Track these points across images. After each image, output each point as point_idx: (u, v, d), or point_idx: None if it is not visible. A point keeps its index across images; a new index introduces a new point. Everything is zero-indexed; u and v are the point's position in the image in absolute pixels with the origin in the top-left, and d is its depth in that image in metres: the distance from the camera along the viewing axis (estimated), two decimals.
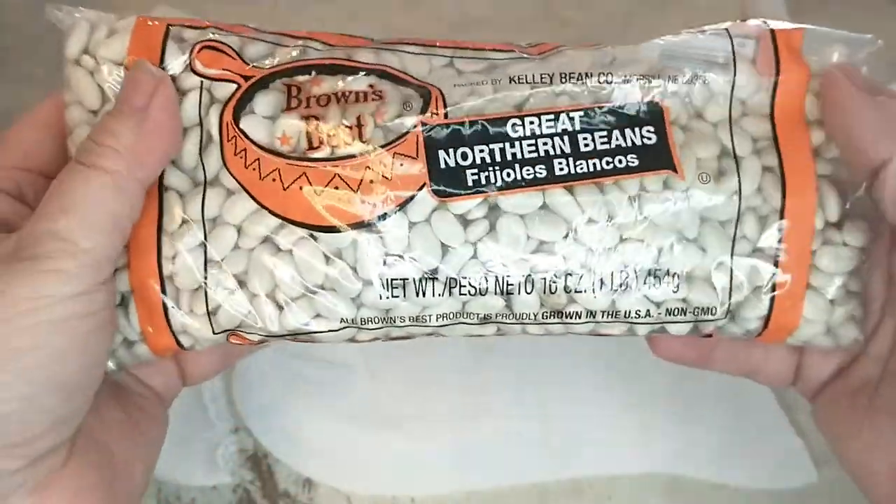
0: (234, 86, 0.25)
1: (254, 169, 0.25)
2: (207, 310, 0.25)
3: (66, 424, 0.23)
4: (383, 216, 0.24)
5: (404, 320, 0.26)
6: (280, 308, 0.25)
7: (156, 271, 0.25)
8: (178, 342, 0.26)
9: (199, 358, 0.29)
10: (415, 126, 0.25)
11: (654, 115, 0.25)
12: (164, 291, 0.25)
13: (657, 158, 0.25)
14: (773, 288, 0.26)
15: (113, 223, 0.23)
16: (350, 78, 0.26)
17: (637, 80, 0.26)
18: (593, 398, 0.37)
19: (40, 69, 0.48)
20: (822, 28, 0.27)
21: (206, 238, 0.25)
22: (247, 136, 0.25)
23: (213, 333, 0.25)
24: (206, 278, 0.25)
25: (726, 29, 0.27)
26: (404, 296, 0.25)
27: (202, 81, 0.25)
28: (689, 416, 0.37)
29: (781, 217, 0.25)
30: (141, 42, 0.25)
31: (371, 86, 0.25)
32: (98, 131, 0.24)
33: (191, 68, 0.25)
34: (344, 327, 0.26)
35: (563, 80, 0.26)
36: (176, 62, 0.26)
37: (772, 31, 0.27)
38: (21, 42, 0.49)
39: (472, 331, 0.27)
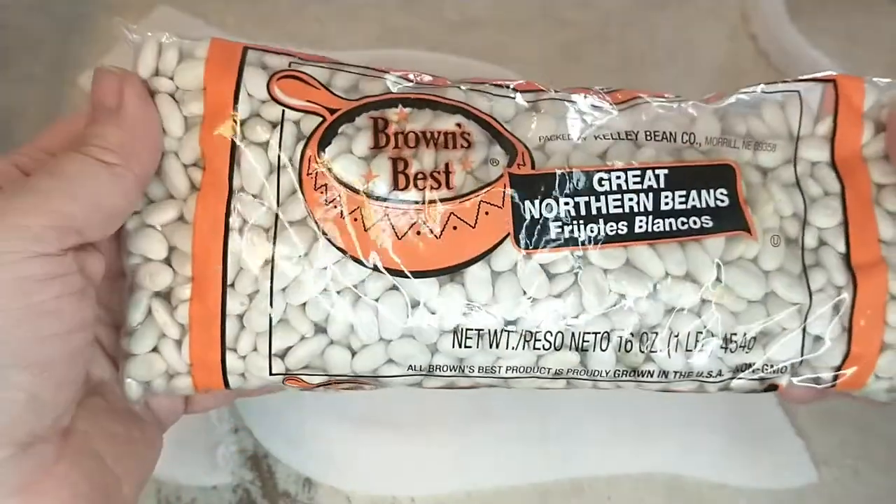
0: (319, 119, 0.25)
1: (335, 206, 0.24)
2: (270, 352, 0.25)
3: (47, 406, 0.22)
4: (466, 264, 0.24)
5: (474, 370, 0.25)
6: (353, 353, 0.25)
7: (219, 308, 0.24)
8: (225, 381, 0.25)
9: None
10: (501, 175, 0.25)
11: (728, 177, 0.25)
12: (224, 329, 0.24)
13: (731, 220, 0.25)
14: (847, 351, 0.26)
15: (101, 203, 0.23)
16: (436, 114, 0.25)
17: (713, 141, 0.26)
18: (593, 398, 0.37)
19: (40, 69, 0.48)
20: (881, 80, 0.28)
21: (284, 281, 0.24)
22: (330, 172, 0.24)
23: (271, 374, 0.25)
24: (278, 321, 0.24)
25: (795, 81, 0.28)
26: (480, 346, 0.25)
27: (284, 112, 0.25)
28: (689, 416, 0.37)
29: (854, 287, 0.25)
30: (217, 67, 0.25)
31: (459, 125, 0.25)
32: (83, 138, 0.23)
33: (272, 97, 0.25)
34: (413, 374, 0.25)
35: (648, 137, 0.26)
36: (256, 89, 0.25)
37: (833, 80, 0.27)
38: (21, 42, 0.50)
39: (541, 384, 0.26)
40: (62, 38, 0.50)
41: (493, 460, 0.36)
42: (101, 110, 0.24)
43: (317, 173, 0.24)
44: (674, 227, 0.25)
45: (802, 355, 0.26)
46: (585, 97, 0.27)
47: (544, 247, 0.24)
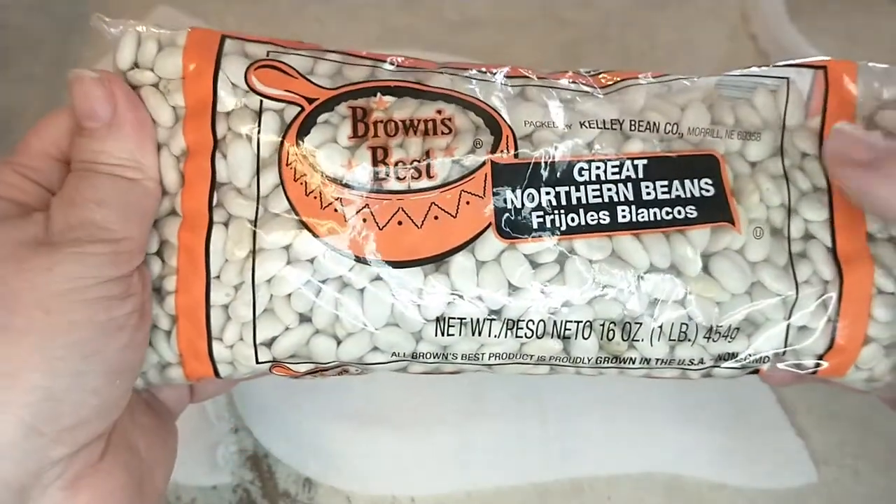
0: (298, 108, 0.25)
1: (315, 197, 0.24)
2: (255, 341, 0.25)
3: (110, 411, 0.23)
4: (449, 254, 0.24)
5: (457, 357, 0.25)
6: (338, 342, 0.25)
7: (203, 299, 0.24)
8: (215, 370, 0.25)
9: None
10: (484, 164, 0.24)
11: (712, 167, 0.25)
12: (209, 319, 0.24)
13: (715, 210, 0.25)
14: (831, 343, 0.26)
15: (143, 218, 0.24)
16: (418, 101, 0.25)
17: (700, 132, 0.26)
18: (593, 398, 0.37)
19: (40, 69, 0.48)
20: (876, 64, 0.27)
21: (268, 273, 0.24)
22: (309, 163, 0.24)
23: (257, 363, 0.25)
24: (262, 311, 0.24)
25: (784, 65, 0.28)
26: (463, 334, 0.25)
27: (262, 102, 0.24)
28: (689, 416, 0.37)
29: (840, 280, 0.25)
30: (195, 56, 0.25)
31: (439, 111, 0.25)
32: (88, 153, 0.24)
33: (249, 86, 0.25)
34: (398, 360, 0.25)
35: (633, 128, 0.26)
36: (235, 77, 0.25)
37: (824, 67, 0.27)
38: (21, 42, 0.50)
39: (525, 370, 0.26)
40: (62, 38, 0.50)
41: (493, 460, 0.36)
42: (93, 120, 0.24)
43: (296, 165, 0.24)
44: (658, 217, 0.25)
45: (786, 345, 0.26)
46: (571, 82, 0.26)
47: (527, 236, 0.24)
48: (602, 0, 0.52)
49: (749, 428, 0.37)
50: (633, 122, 0.26)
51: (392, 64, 0.26)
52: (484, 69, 0.26)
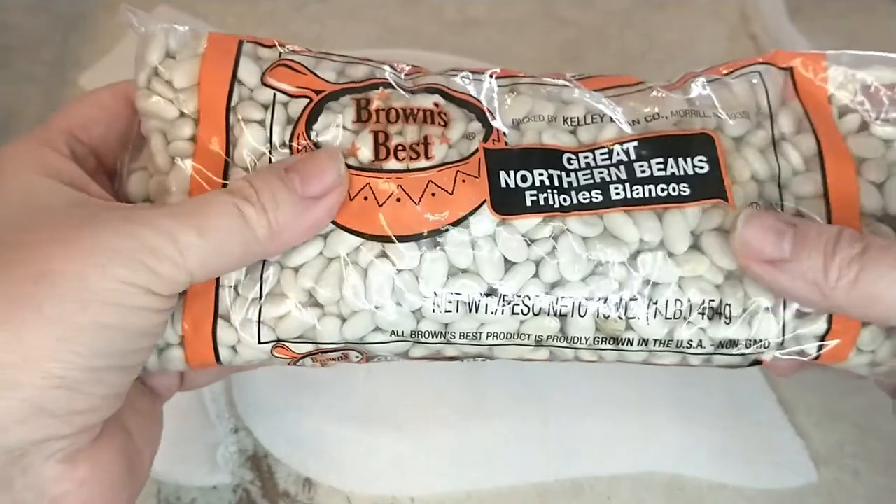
0: (307, 100, 0.26)
1: None
2: (260, 317, 0.25)
3: (119, 399, 0.24)
4: (446, 230, 0.25)
5: (457, 336, 0.26)
6: (343, 320, 0.25)
7: (213, 281, 0.25)
8: (216, 353, 0.26)
9: None
10: (477, 150, 0.26)
11: (706, 145, 0.26)
12: (217, 297, 0.25)
13: (710, 187, 0.25)
14: (830, 324, 0.25)
15: (228, 269, 0.24)
16: (416, 95, 0.27)
17: (680, 113, 0.27)
18: (593, 398, 0.37)
19: (40, 69, 0.48)
20: (845, 52, 0.27)
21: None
22: (316, 146, 0.26)
23: (259, 343, 0.25)
24: (270, 290, 0.25)
25: (759, 63, 0.28)
26: (462, 310, 0.25)
27: (275, 95, 0.26)
28: (689, 416, 0.37)
29: None
30: (214, 60, 0.26)
31: (436, 104, 0.26)
32: (261, 186, 0.24)
33: (263, 83, 0.26)
34: (400, 340, 0.26)
35: (616, 118, 0.27)
36: (250, 78, 0.26)
37: (790, 68, 0.28)
38: (21, 42, 0.50)
39: (524, 353, 0.27)
40: (62, 38, 0.50)
41: (493, 460, 0.36)
42: (300, 188, 0.24)
43: (306, 148, 0.26)
44: (653, 194, 0.25)
45: (784, 331, 0.25)
46: (556, 80, 0.28)
47: (521, 213, 0.25)
48: (602, 0, 0.52)
49: (749, 428, 0.37)
50: (616, 111, 0.27)
51: (391, 67, 0.28)
52: (477, 70, 0.28)
